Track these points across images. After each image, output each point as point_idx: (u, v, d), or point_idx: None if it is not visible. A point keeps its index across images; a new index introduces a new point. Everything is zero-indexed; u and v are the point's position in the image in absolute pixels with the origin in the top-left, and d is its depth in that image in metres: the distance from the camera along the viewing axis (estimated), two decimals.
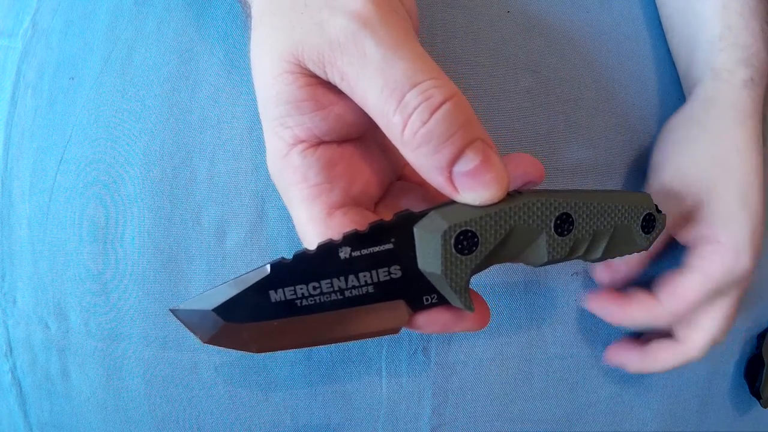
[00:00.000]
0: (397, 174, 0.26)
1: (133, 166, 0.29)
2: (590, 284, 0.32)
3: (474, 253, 0.21)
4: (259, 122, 0.29)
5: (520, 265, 0.31)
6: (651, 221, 0.24)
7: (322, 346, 0.30)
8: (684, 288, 0.29)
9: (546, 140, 0.31)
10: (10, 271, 0.30)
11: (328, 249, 0.21)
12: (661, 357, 0.30)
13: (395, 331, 0.23)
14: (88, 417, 0.30)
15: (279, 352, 0.30)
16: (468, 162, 0.20)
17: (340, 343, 0.27)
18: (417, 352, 0.30)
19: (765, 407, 0.37)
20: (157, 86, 0.29)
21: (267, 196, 0.29)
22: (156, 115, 0.29)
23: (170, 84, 0.29)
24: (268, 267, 0.21)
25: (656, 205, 0.25)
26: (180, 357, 0.29)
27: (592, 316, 0.33)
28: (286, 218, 0.29)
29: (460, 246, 0.21)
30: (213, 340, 0.22)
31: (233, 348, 0.22)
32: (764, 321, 0.38)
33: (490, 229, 0.21)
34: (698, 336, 0.30)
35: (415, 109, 0.19)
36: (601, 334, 0.33)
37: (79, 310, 0.29)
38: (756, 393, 0.37)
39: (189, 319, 0.22)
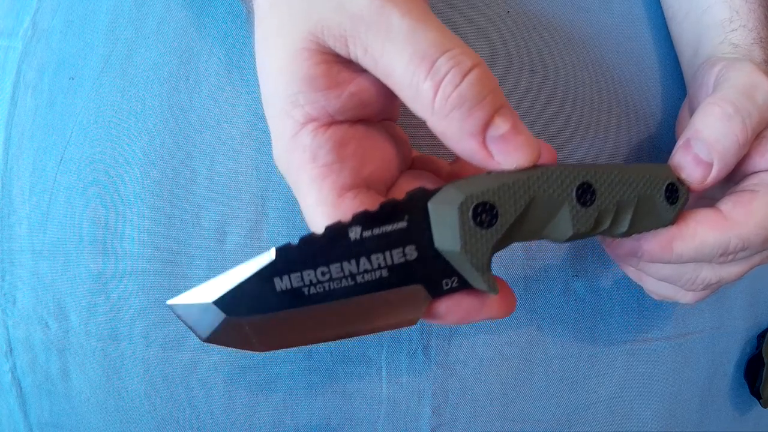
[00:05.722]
0: (407, 166, 0.25)
1: (133, 166, 0.29)
2: (591, 285, 0.32)
3: (494, 227, 0.20)
4: (260, 122, 0.29)
5: (520, 265, 0.31)
6: (674, 191, 0.23)
7: (322, 346, 0.30)
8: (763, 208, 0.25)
9: (546, 140, 0.31)
10: (10, 271, 0.30)
11: (336, 230, 0.20)
12: (700, 231, 0.24)
13: (413, 321, 0.21)
14: (88, 417, 0.30)
15: (281, 351, 0.30)
16: (500, 126, 0.20)
17: (351, 338, 0.26)
18: (417, 352, 0.30)
19: (765, 407, 0.37)
20: (157, 86, 0.29)
21: (267, 196, 0.29)
22: (156, 115, 0.29)
23: (170, 84, 0.29)
24: (273, 251, 0.20)
25: (678, 177, 0.24)
26: (180, 357, 0.29)
27: (592, 315, 0.33)
28: (286, 218, 0.29)
29: (478, 219, 0.19)
30: (213, 337, 0.20)
31: (235, 346, 0.20)
32: (764, 321, 0.38)
33: (509, 199, 0.20)
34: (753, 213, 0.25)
35: (447, 73, 0.19)
36: (602, 334, 0.33)
37: (79, 310, 0.29)
38: (756, 393, 0.37)
39: (187, 314, 0.20)
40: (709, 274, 0.27)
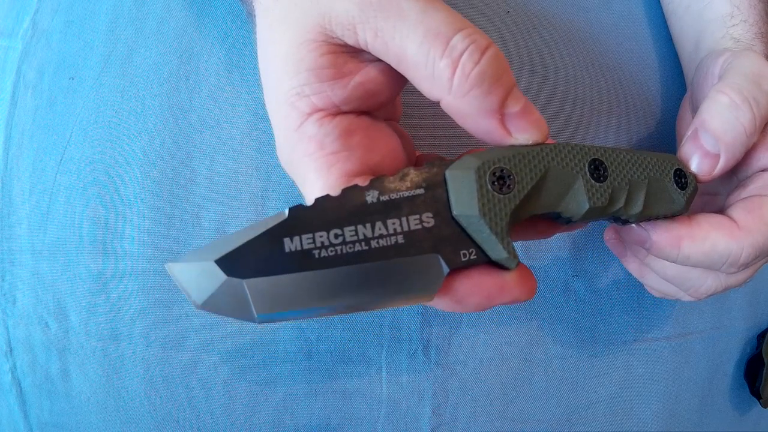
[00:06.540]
0: (412, 163, 0.25)
1: (133, 166, 0.29)
2: (591, 285, 0.32)
3: (512, 192, 0.20)
4: (260, 122, 0.29)
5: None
6: (683, 177, 0.24)
7: (322, 345, 0.30)
8: None
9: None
10: (10, 271, 0.30)
11: (353, 193, 0.19)
12: (712, 235, 0.24)
13: (429, 294, 0.19)
14: (88, 417, 0.30)
15: (280, 350, 0.30)
16: (515, 104, 0.20)
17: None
18: (417, 352, 0.30)
19: (765, 407, 0.37)
20: (157, 86, 0.29)
21: (267, 196, 0.29)
22: (156, 115, 0.29)
23: (170, 84, 0.29)
24: (287, 211, 0.19)
25: (686, 167, 0.24)
26: (180, 357, 0.29)
27: (592, 315, 0.33)
28: None
29: (495, 184, 0.20)
30: (209, 302, 0.18)
31: (231, 314, 0.19)
32: (764, 321, 0.38)
33: (524, 167, 0.20)
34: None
35: (464, 51, 0.19)
36: (602, 334, 0.33)
37: (79, 310, 0.29)
38: (756, 393, 0.37)
39: (184, 276, 0.18)
40: (715, 283, 0.27)
